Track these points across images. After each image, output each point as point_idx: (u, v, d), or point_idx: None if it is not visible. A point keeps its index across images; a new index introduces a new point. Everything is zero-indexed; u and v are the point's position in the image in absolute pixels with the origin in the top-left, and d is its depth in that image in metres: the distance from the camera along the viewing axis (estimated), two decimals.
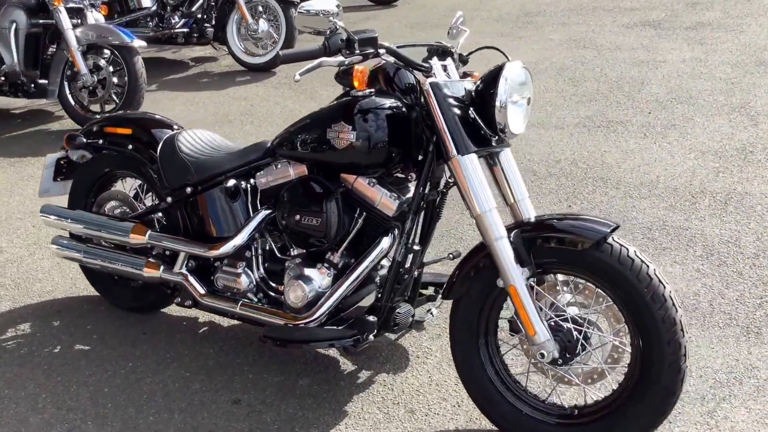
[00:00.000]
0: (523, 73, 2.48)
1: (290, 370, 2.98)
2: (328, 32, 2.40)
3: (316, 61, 2.38)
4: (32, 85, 5.95)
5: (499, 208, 2.47)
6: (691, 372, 2.84)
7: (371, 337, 2.66)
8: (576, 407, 2.50)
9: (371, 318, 2.65)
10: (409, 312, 2.77)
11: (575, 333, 2.40)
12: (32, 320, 3.42)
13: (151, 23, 7.54)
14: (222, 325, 3.30)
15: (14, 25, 5.76)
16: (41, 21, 5.85)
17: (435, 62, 2.55)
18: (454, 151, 2.42)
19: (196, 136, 3.07)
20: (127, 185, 3.43)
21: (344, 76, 2.42)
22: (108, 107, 5.95)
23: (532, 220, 2.53)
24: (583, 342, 2.40)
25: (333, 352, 3.05)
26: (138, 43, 5.75)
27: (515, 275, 2.36)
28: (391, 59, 2.52)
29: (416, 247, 2.73)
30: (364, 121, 2.53)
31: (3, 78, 5.89)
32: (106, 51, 5.84)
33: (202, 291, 2.92)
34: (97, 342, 3.24)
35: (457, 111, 2.45)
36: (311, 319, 2.63)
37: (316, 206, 2.63)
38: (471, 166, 2.42)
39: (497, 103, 2.39)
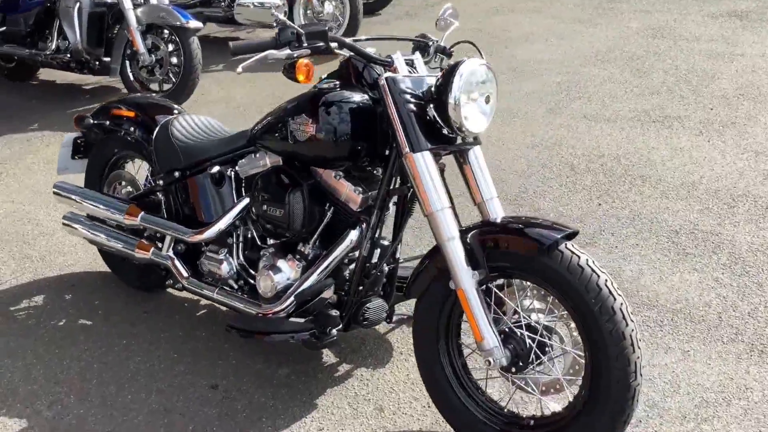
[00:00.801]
0: (482, 70, 2.38)
1: (273, 359, 2.99)
2: (275, 24, 2.37)
3: (262, 54, 2.35)
4: (96, 63, 6.16)
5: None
6: (678, 387, 2.69)
7: (334, 331, 2.63)
8: (533, 417, 2.40)
9: (334, 312, 2.63)
10: (382, 307, 2.73)
11: (528, 341, 2.30)
12: (47, 293, 3.57)
13: (222, 3, 7.68)
14: (221, 309, 3.35)
15: (78, 4, 5.97)
16: (106, 0, 6.05)
17: (398, 56, 2.49)
18: (407, 148, 2.35)
19: (192, 122, 3.11)
20: (137, 166, 3.51)
21: (290, 69, 2.38)
22: (166, 86, 6.11)
23: (498, 221, 2.44)
24: (537, 351, 2.30)
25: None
26: (194, 23, 5.85)
27: (464, 278, 2.29)
28: (346, 53, 2.46)
29: (385, 242, 2.68)
30: (327, 114, 2.49)
31: (69, 56, 6.14)
32: (165, 31, 5.99)
33: (185, 274, 2.97)
34: (100, 318, 3.35)
35: (413, 107, 2.37)
36: (278, 309, 2.63)
37: (281, 197, 2.62)
38: (424, 163, 2.35)
39: (451, 100, 2.31)
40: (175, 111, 3.27)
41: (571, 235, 2.30)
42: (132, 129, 3.24)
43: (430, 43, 2.75)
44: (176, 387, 2.88)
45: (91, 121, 3.33)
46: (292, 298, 2.61)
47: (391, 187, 2.58)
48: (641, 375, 2.17)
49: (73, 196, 3.36)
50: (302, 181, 2.63)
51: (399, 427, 2.63)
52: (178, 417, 2.72)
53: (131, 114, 3.26)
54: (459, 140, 2.48)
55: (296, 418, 2.68)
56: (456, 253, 2.31)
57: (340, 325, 2.66)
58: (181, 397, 2.82)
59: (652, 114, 5.27)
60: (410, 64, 2.55)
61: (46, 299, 3.52)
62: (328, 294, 2.66)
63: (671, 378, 2.76)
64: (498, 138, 5.06)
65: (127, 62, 6.09)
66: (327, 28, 2.43)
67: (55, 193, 3.45)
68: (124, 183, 3.43)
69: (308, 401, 2.76)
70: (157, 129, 3.12)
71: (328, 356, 3.00)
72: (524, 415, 2.43)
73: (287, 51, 2.35)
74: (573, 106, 5.57)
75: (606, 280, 2.18)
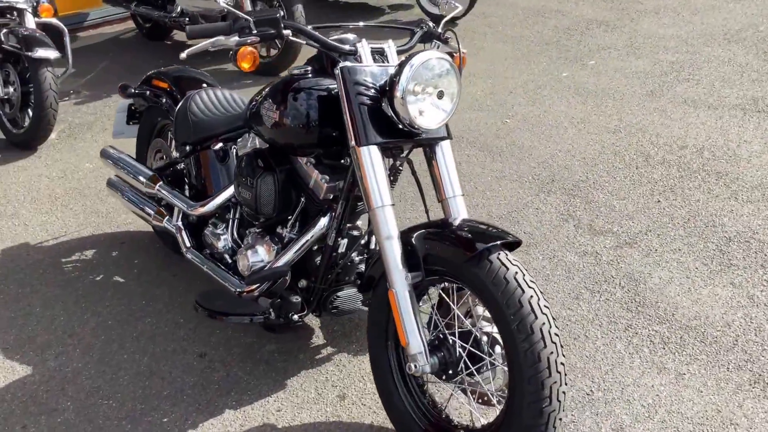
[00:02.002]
0: (438, 63, 2.27)
1: (264, 335, 3.06)
2: (223, 12, 2.36)
3: (209, 40, 2.35)
4: None
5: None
6: (654, 413, 2.50)
7: (296, 317, 2.66)
8: (465, 427, 2.32)
9: (295, 298, 2.65)
10: (355, 297, 2.71)
11: (459, 350, 2.22)
12: (97, 248, 3.84)
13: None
14: None
15: None
16: None
17: (362, 44, 2.42)
18: (353, 141, 2.30)
19: (213, 96, 3.19)
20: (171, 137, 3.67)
21: (234, 57, 2.37)
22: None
23: (453, 222, 2.33)
24: (467, 361, 2.21)
25: (313, 323, 3.09)
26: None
27: (396, 279, 2.23)
28: (303, 41, 2.42)
29: (355, 233, 2.65)
30: (294, 100, 2.47)
31: (188, 19, 6.37)
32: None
33: (188, 244, 3.10)
34: (133, 277, 3.57)
35: (366, 99, 2.31)
36: (249, 289, 2.69)
37: (252, 180, 2.65)
38: (369, 158, 2.29)
39: (398, 93, 2.22)
40: (204, 84, 3.37)
41: (512, 245, 2.18)
42: (164, 100, 3.39)
43: (424, 28, 2.66)
44: (169, 352, 3.03)
45: (132, 90, 3.51)
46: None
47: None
48: (560, 401, 2.04)
49: (112, 162, 3.58)
50: (276, 166, 2.65)
51: (352, 418, 2.63)
52: (158, 381, 2.87)
53: (165, 85, 3.41)
54: (429, 133, 2.39)
55: (261, 396, 2.75)
56: (392, 253, 2.25)
57: (305, 311, 2.68)
58: (168, 362, 2.97)
59: (761, 103, 4.78)
60: (380, 53, 2.48)
61: (95, 254, 3.79)
62: (303, 282, 2.68)
63: (652, 402, 2.56)
64: (581, 120, 4.81)
65: None
66: (279, 15, 2.39)
67: (101, 156, 3.69)
68: (162, 151, 3.60)
69: (279, 380, 2.82)
70: (181, 101, 3.24)
71: (318, 337, 3.04)
72: (456, 423, 2.35)
73: (235, 38, 2.34)
74: (677, 89, 5.16)
75: (530, 297, 2.05)
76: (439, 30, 2.68)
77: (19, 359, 3.05)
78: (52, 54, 4.83)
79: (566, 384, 2.06)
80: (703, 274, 3.20)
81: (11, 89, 5.04)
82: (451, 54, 2.69)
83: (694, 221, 3.59)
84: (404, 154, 2.51)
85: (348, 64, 2.37)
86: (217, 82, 3.54)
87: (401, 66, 2.25)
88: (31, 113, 4.98)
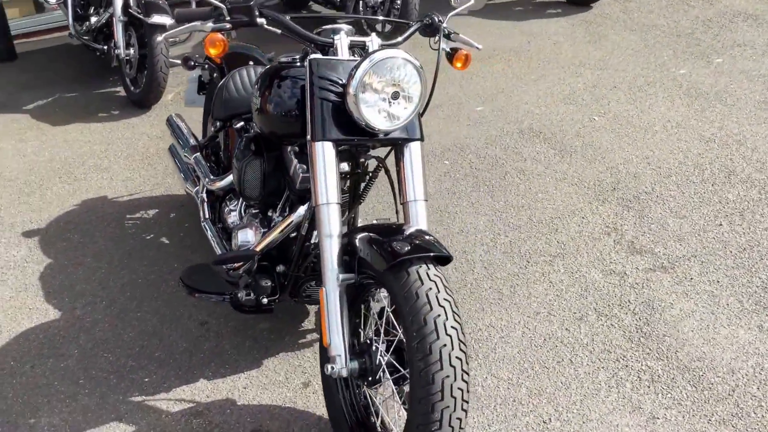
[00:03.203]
0: (399, 64, 2.21)
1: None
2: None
3: (188, 25, 2.40)
4: None
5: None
6: None
7: (265, 300, 2.72)
8: None
9: (265, 282, 2.70)
10: None
11: (379, 359, 2.19)
12: (160, 208, 4.11)
13: None
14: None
15: None
16: None
17: (340, 37, 2.39)
18: (309, 135, 2.30)
19: (252, 75, 3.26)
20: None
21: (203, 42, 2.41)
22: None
23: (406, 228, 2.28)
24: (386, 369, 2.18)
25: (310, 306, 3.14)
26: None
27: (328, 278, 2.23)
28: (277, 30, 2.41)
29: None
30: (278, 88, 2.50)
31: None
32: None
33: (206, 215, 3.24)
34: (177, 239, 3.79)
35: (331, 94, 2.28)
36: (235, 266, 2.79)
37: (239, 163, 2.72)
38: (322, 154, 2.27)
39: (351, 90, 2.19)
40: (251, 63, 3.47)
41: (444, 260, 2.12)
42: (215, 75, 3.53)
43: (427, 21, 2.60)
44: (176, 316, 3.21)
45: (192, 63, 3.68)
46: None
47: None
48: (452, 427, 1.97)
49: (171, 130, 3.79)
50: (266, 152, 2.70)
51: (307, 406, 2.68)
52: (155, 342, 3.06)
53: (219, 60, 3.54)
54: (395, 134, 2.35)
55: (236, 371, 2.86)
56: (328, 251, 2.25)
57: (277, 296, 2.74)
58: (172, 326, 3.15)
59: None
60: (361, 46, 2.45)
61: (155, 214, 4.06)
62: (280, 267, 2.74)
63: None
64: (677, 124, 4.46)
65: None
66: (253, 3, 2.40)
67: (166, 123, 3.92)
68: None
69: (258, 359, 2.91)
70: (224, 78, 3.36)
71: (309, 321, 3.10)
72: (378, 427, 2.33)
73: (210, 24, 2.39)
74: None
75: (437, 316, 1.98)
76: (444, 24, 2.60)
77: (54, 304, 3.35)
78: (167, 20, 5.14)
79: (463, 410, 1.98)
80: (732, 311, 2.91)
81: (132, 51, 5.43)
82: (453, 50, 2.62)
83: (749, 252, 3.26)
84: (370, 152, 2.47)
85: (318, 56, 2.36)
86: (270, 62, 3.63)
87: (359, 62, 2.22)
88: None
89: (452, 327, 1.99)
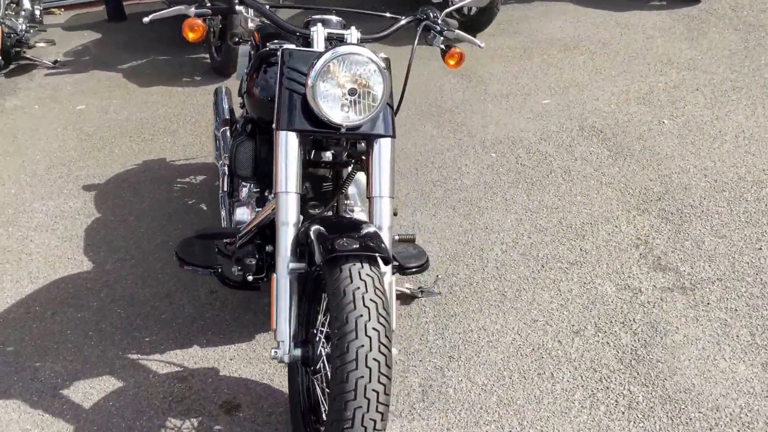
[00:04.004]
0: (359, 60, 2.21)
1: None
2: None
3: (172, 8, 2.46)
4: None
5: None
6: None
7: (250, 277, 2.78)
8: (320, 422, 2.33)
9: (250, 260, 2.76)
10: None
11: (320, 349, 2.22)
12: (208, 176, 4.25)
13: None
14: None
15: None
16: None
17: (317, 28, 2.40)
18: (274, 124, 2.33)
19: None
20: None
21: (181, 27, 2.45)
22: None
23: (369, 227, 2.28)
24: (326, 360, 2.21)
25: None
26: None
27: (279, 264, 2.28)
28: (257, 18, 2.43)
29: (314, 211, 2.69)
30: (264, 73, 2.55)
31: None
32: None
33: (223, 189, 3.34)
34: (214, 207, 3.90)
35: (298, 85, 2.30)
36: (230, 241, 2.87)
37: (233, 142, 2.79)
38: (285, 144, 2.31)
39: (309, 82, 2.21)
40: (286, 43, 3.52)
41: (387, 260, 2.12)
42: (251, 52, 3.61)
43: (421, 17, 2.57)
44: (191, 282, 3.33)
45: (237, 39, 3.77)
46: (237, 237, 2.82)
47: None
48: (365, 427, 1.97)
49: (213, 102, 3.91)
50: (258, 134, 2.75)
51: (282, 385, 2.73)
52: (165, 304, 3.21)
53: (258, 39, 3.62)
54: (367, 129, 2.35)
55: (228, 342, 2.97)
56: (283, 239, 2.30)
57: (263, 275, 2.80)
58: (184, 290, 3.29)
59: None
60: (339, 39, 2.45)
61: (203, 180, 4.22)
62: (269, 247, 2.78)
63: None
64: (751, 135, 4.18)
65: None
66: None
67: (213, 94, 4.05)
68: None
69: (252, 333, 3.00)
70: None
71: None
72: (321, 414, 2.36)
73: (192, 9, 2.44)
74: None
75: (359, 316, 1.98)
76: (440, 20, 2.56)
77: (89, 256, 3.57)
78: None
79: (378, 412, 1.97)
80: (739, 344, 2.74)
81: (216, 20, 5.61)
82: (448, 47, 2.58)
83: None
84: (342, 147, 2.46)
85: (290, 47, 2.39)
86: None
87: (319, 54, 2.23)
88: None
89: (374, 329, 1.98)
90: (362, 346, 1.97)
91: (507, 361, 2.76)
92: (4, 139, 4.84)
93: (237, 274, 2.78)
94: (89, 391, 2.76)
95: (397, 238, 2.89)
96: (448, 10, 2.62)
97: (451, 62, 2.61)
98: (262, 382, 2.76)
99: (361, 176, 2.74)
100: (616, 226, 3.49)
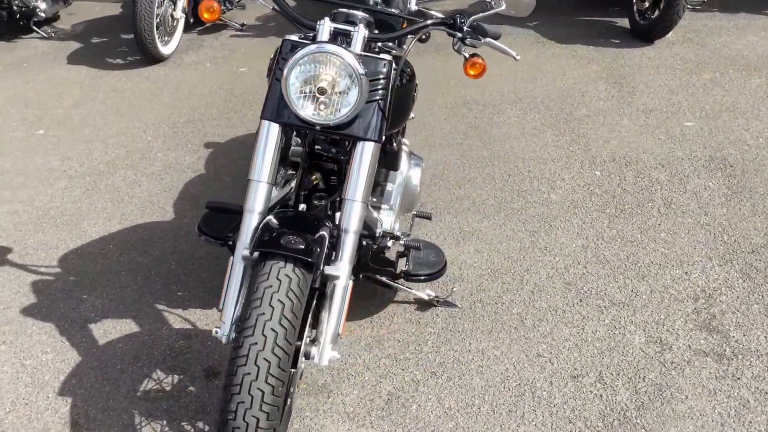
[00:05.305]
0: (329, 60, 2.16)
1: None
2: None
3: None
4: None
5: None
6: None
7: (246, 252, 2.84)
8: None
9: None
10: None
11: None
12: (242, 152, 4.36)
13: None
14: None
15: None
16: None
17: (324, 22, 2.37)
18: (261, 113, 2.35)
19: None
20: None
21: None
22: None
23: (323, 228, 2.28)
24: None
25: None
26: None
27: (237, 249, 2.32)
28: (269, 5, 2.44)
29: (318, 202, 2.69)
30: (278, 62, 2.58)
31: None
32: None
33: None
34: (236, 187, 4.01)
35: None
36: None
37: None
38: (266, 133, 2.33)
39: (284, 73, 2.21)
40: None
41: (310, 266, 2.11)
42: None
43: (448, 21, 2.47)
44: (196, 258, 3.42)
45: None
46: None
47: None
48: (246, 423, 1.98)
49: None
50: None
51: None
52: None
53: None
54: (353, 130, 2.33)
55: (214, 316, 3.06)
56: (245, 225, 2.34)
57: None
58: (186, 266, 3.37)
59: None
60: (346, 34, 2.41)
61: (238, 157, 4.33)
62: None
63: None
64: None
65: None
66: None
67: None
68: None
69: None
70: None
71: None
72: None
73: None
74: None
75: (261, 314, 2.00)
76: (466, 27, 2.44)
77: (176, 209, 3.87)
78: None
79: (263, 411, 1.98)
80: (749, 430, 2.36)
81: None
82: (473, 55, 2.46)
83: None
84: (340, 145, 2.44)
85: (292, 38, 2.39)
86: None
87: (298, 48, 2.22)
88: None
89: (272, 329, 1.98)
90: (255, 343, 1.98)
91: (485, 391, 2.61)
92: (166, 90, 5.31)
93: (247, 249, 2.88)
94: (110, 330, 3.02)
95: (414, 212, 2.99)
96: (476, 16, 2.47)
97: (472, 72, 2.47)
98: None
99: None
100: (686, 272, 3.12)
